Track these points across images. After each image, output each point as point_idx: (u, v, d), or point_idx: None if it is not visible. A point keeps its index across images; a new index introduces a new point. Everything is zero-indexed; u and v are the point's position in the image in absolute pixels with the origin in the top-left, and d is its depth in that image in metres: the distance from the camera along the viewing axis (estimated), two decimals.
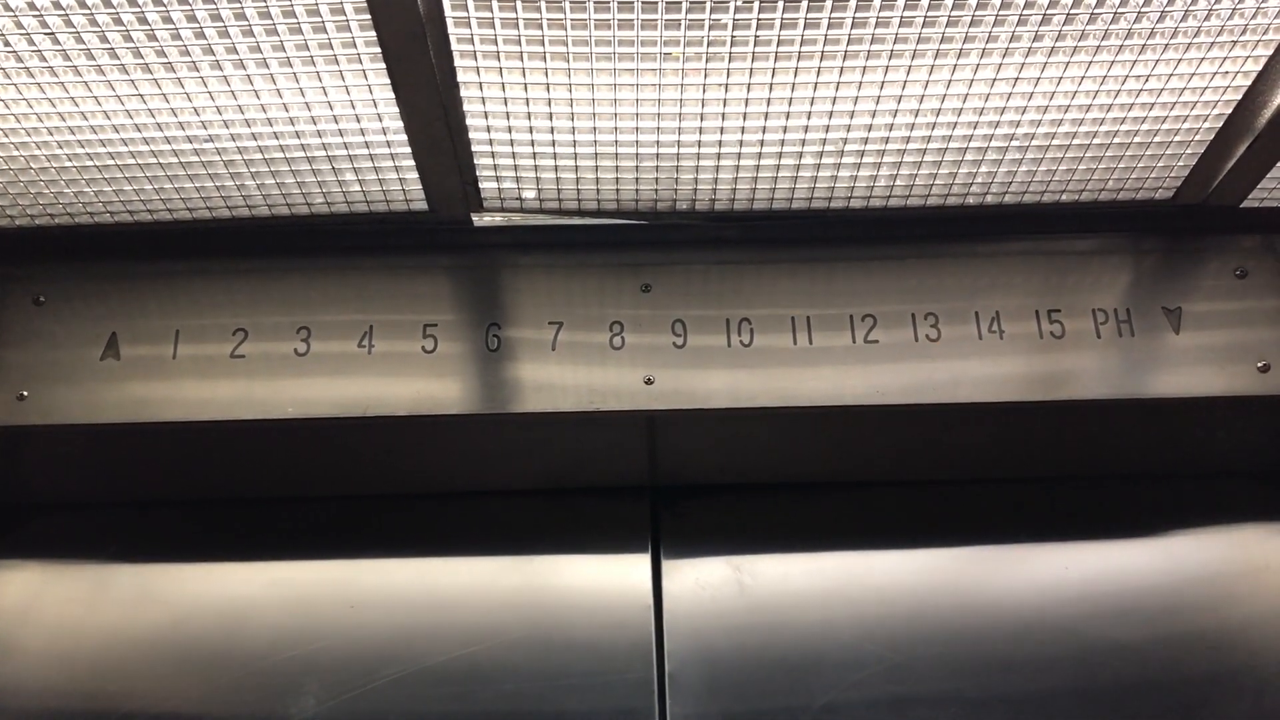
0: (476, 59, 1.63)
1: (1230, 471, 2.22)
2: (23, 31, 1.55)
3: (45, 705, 1.98)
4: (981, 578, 2.10)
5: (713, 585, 2.09)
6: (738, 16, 1.56)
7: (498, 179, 1.88)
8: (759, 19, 1.57)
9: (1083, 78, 1.70)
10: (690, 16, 1.56)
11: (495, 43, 1.60)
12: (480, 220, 1.97)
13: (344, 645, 2.02)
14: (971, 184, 1.91)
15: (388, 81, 1.64)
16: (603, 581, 2.11)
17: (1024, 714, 1.92)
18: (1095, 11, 1.57)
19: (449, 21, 1.56)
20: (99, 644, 2.05)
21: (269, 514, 2.21)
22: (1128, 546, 2.15)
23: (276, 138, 1.76)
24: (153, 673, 2.01)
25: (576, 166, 1.85)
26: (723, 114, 1.74)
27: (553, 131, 1.77)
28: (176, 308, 1.98)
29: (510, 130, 1.77)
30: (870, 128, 1.78)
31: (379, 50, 1.58)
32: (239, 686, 1.99)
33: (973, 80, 1.69)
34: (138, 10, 1.52)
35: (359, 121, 1.73)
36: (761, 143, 1.80)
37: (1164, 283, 1.99)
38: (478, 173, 1.86)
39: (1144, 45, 1.64)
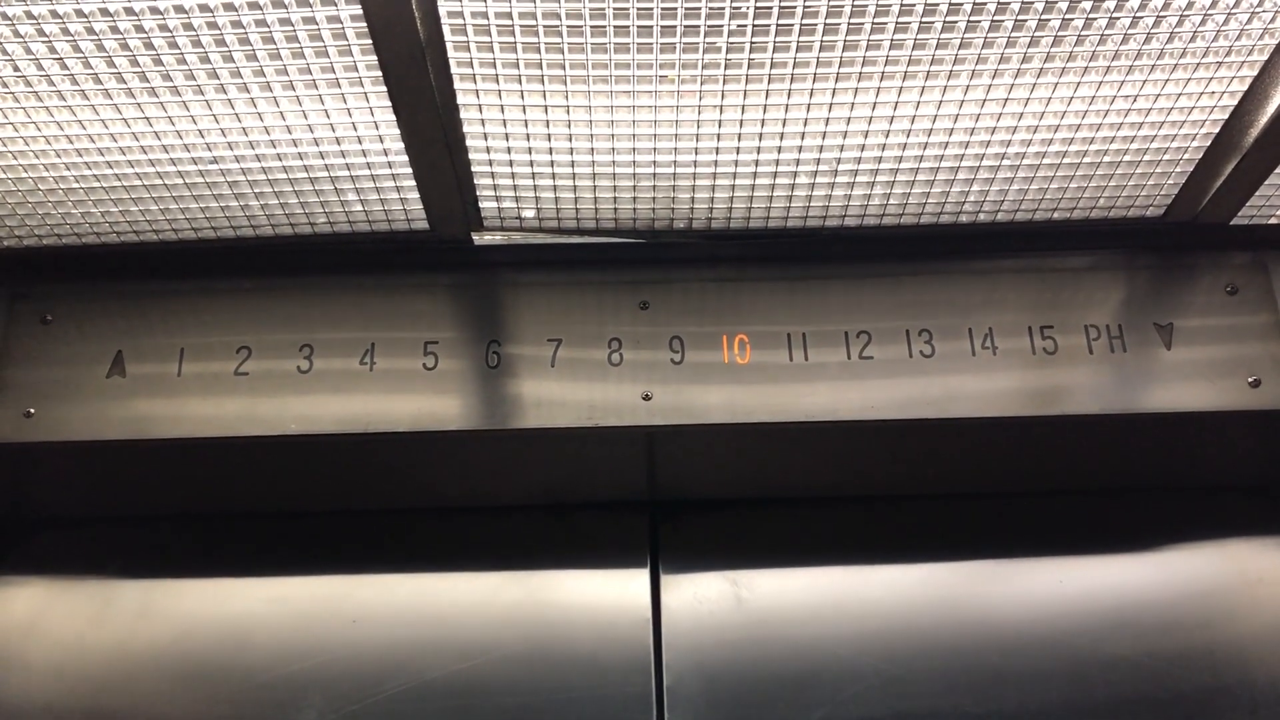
0: (476, 81, 1.66)
1: (1222, 486, 2.24)
2: (32, 57, 1.58)
3: (49, 719, 2.00)
4: (976, 592, 2.12)
5: (711, 599, 2.11)
6: (732, 40, 1.59)
7: (497, 198, 1.90)
8: (752, 42, 1.60)
9: (1072, 98, 1.72)
10: (685, 40, 1.59)
11: (494, 65, 1.63)
12: (480, 239, 2.00)
13: (346, 660, 2.04)
14: (964, 202, 1.94)
15: (388, 103, 1.67)
16: (602, 596, 2.13)
17: None
18: (1083, 34, 1.60)
19: (448, 45, 1.59)
20: (103, 659, 2.07)
21: (271, 530, 2.23)
22: (1121, 561, 2.16)
23: (280, 159, 1.79)
24: (156, 688, 2.03)
25: (575, 186, 1.88)
26: (718, 134, 1.77)
27: (551, 152, 1.80)
28: (181, 326, 2.00)
29: (509, 150, 1.80)
30: (864, 147, 1.81)
31: (380, 73, 1.61)
32: (242, 701, 2.01)
33: (964, 100, 1.72)
34: (144, 36, 1.55)
35: (360, 142, 1.77)
36: (757, 162, 1.83)
37: (1155, 299, 2.01)
38: (477, 192, 1.88)
39: (1131, 66, 1.67)
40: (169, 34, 1.55)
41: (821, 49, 1.62)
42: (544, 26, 1.57)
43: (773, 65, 1.64)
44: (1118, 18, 1.57)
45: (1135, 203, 1.96)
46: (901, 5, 1.55)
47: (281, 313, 2.01)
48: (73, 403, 1.95)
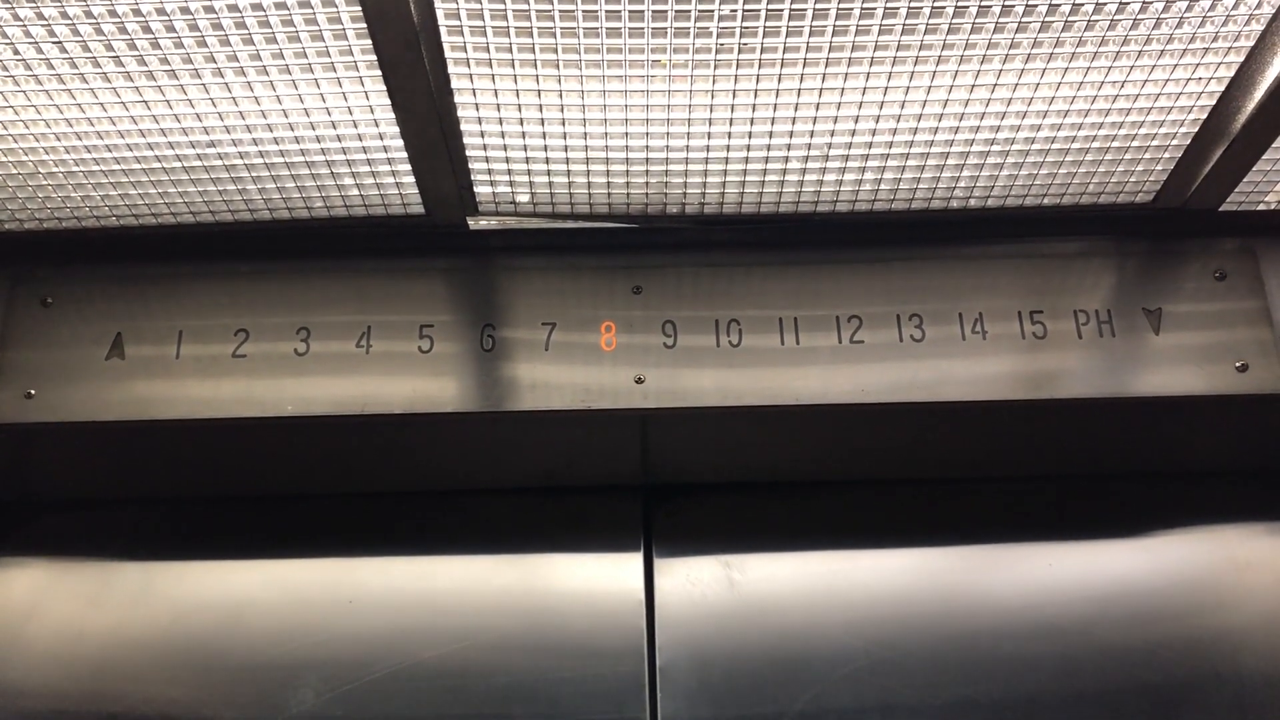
0: (470, 66, 1.68)
1: (1210, 470, 2.25)
2: (31, 40, 1.60)
3: (49, 700, 2.02)
4: (966, 575, 2.14)
5: (703, 582, 2.13)
6: (723, 25, 1.61)
7: (492, 183, 1.92)
8: (744, 27, 1.61)
9: (1061, 83, 1.74)
10: (677, 25, 1.61)
11: (488, 50, 1.65)
12: (475, 224, 2.01)
13: (342, 640, 2.06)
14: (955, 188, 1.95)
15: (384, 89, 1.69)
16: (596, 578, 2.15)
17: (1007, 707, 1.96)
18: (1071, 19, 1.62)
19: (442, 30, 1.61)
20: (102, 640, 2.09)
21: (269, 511, 2.25)
22: (1110, 545, 2.18)
23: (277, 143, 1.81)
24: (155, 667, 2.05)
25: (569, 171, 1.89)
26: (710, 119, 1.78)
27: (545, 137, 1.82)
28: (180, 309, 2.02)
29: (504, 135, 1.82)
30: (854, 133, 1.82)
31: (375, 59, 1.63)
32: (239, 680, 2.03)
33: (953, 86, 1.73)
34: (142, 20, 1.57)
35: (357, 128, 1.78)
36: (749, 147, 1.84)
37: (1144, 284, 2.03)
38: (472, 177, 1.90)
39: (1119, 52, 1.68)
40: (167, 18, 1.57)
41: (812, 35, 1.63)
42: (537, 12, 1.59)
43: (763, 51, 1.66)
44: (1104, 3, 1.59)
45: (1125, 189, 1.97)
46: None
47: (279, 296, 2.03)
48: (73, 384, 1.97)
